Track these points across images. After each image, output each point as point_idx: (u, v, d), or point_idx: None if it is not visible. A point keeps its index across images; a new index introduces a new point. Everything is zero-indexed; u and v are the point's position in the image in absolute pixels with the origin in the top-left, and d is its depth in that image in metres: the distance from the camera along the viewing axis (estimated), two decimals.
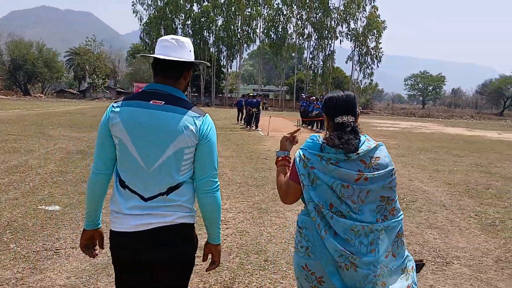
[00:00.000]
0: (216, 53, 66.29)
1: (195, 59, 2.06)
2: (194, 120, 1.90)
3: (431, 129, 28.14)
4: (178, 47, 1.97)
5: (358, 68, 63.80)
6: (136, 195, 1.91)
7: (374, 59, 63.16)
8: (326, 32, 63.14)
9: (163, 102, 1.90)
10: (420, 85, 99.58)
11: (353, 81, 64.85)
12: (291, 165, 2.16)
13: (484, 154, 14.31)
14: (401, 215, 2.11)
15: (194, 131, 1.89)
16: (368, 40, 62.68)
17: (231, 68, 73.01)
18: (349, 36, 63.16)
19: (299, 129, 2.85)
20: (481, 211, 6.39)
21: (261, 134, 18.46)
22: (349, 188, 1.96)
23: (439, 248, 4.68)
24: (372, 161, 2.02)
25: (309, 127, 23.42)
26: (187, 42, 2.01)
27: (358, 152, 1.99)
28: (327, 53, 64.74)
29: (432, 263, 4.27)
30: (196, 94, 68.28)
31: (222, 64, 68.97)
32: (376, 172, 2.00)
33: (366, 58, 63.45)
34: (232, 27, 63.83)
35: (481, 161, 12.40)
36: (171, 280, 1.99)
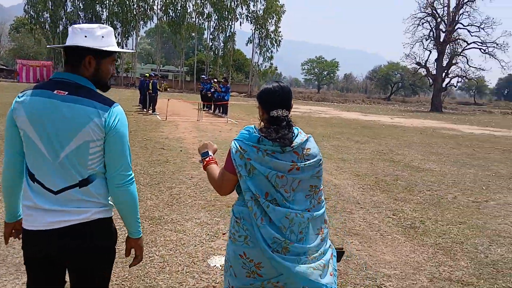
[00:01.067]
0: None
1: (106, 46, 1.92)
2: (99, 112, 1.81)
3: (330, 114, 28.66)
4: (73, 34, 1.86)
5: (258, 51, 63.77)
6: (46, 189, 1.84)
7: (274, 42, 63.49)
8: (226, 13, 61.99)
9: (66, 93, 1.81)
10: (315, 70, 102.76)
11: (254, 64, 64.74)
12: (226, 156, 2.14)
13: (383, 140, 14.45)
14: (324, 204, 2.23)
15: (99, 124, 1.81)
16: (268, 23, 62.77)
17: (126, 46, 68.91)
18: (249, 19, 62.69)
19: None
20: (397, 210, 5.91)
21: (158, 118, 17.06)
22: (283, 178, 2.03)
23: (365, 265, 4.00)
24: (304, 152, 2.10)
25: (210, 111, 22.38)
26: (87, 27, 1.87)
27: (293, 145, 2.06)
28: (227, 34, 63.71)
29: (362, 287, 3.56)
30: None
31: (117, 41, 64.53)
32: (307, 162, 2.08)
33: (266, 41, 63.53)
34: (127, 2, 60.07)
35: (382, 148, 12.38)
36: (91, 277, 1.97)
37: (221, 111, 20.51)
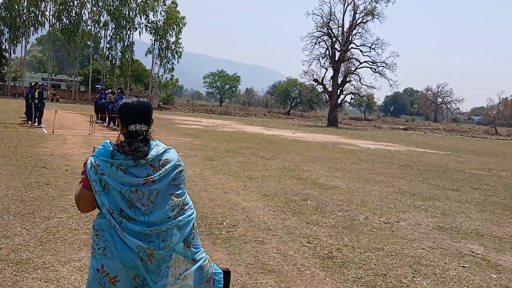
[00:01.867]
0: None
1: None
2: None
3: (233, 128, 28.28)
4: None
5: (158, 62, 62.07)
6: None
7: (175, 54, 62.33)
8: (124, 21, 59.62)
9: None
10: (218, 83, 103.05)
11: (154, 75, 62.81)
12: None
13: (288, 155, 14.23)
14: (193, 212, 2.27)
15: None
16: (168, 34, 61.44)
17: (14, 53, 63.19)
18: (148, 29, 60.86)
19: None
20: (312, 236, 5.40)
21: (44, 132, 15.27)
22: (138, 192, 2.05)
23: None
24: (160, 164, 2.11)
25: (105, 123, 20.79)
26: None
27: (147, 158, 2.07)
28: (125, 44, 61.23)
29: None
30: None
31: (3, 47, 59.03)
32: (162, 172, 2.10)
33: (166, 52, 62.12)
34: (16, 7, 55.16)
35: (288, 164, 12.08)
36: None
37: (116, 124, 19.06)
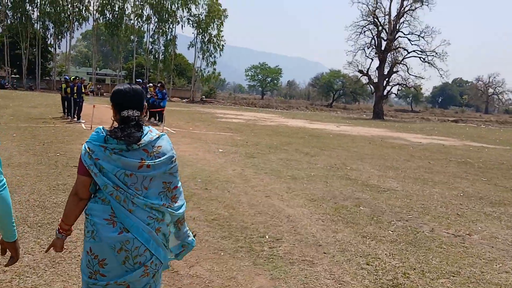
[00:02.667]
0: (42, 31, 57.76)
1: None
2: None
3: (275, 122, 27.47)
4: None
5: (200, 56, 61.92)
6: None
7: (217, 47, 61.91)
8: (167, 15, 59.69)
9: None
10: (259, 76, 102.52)
11: (196, 69, 62.80)
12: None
13: (334, 152, 13.30)
14: (183, 205, 2.29)
15: None
16: (210, 28, 61.11)
17: (59, 48, 64.68)
18: (191, 22, 60.74)
19: None
20: (370, 255, 4.55)
21: (83, 127, 15.03)
22: (133, 176, 2.09)
23: None
24: (154, 150, 2.15)
25: (146, 117, 20.48)
26: None
27: (140, 143, 2.10)
28: (168, 38, 61.39)
29: None
30: (17, 76, 59.01)
31: (49, 43, 60.60)
32: (157, 160, 2.14)
33: (208, 46, 61.73)
34: (60, 2, 56.23)
35: (334, 161, 11.18)
36: None
37: (157, 119, 18.67)
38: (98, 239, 2.07)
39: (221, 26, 61.49)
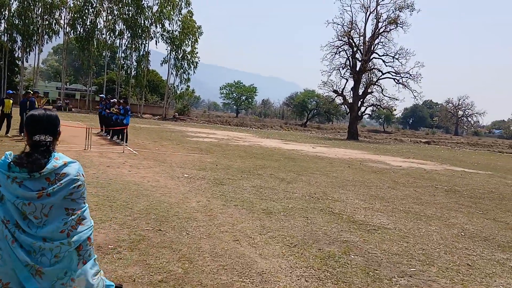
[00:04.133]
0: (9, 43, 55.40)
1: None
2: None
3: (249, 141, 26.22)
4: None
5: (174, 73, 60.47)
6: None
7: (191, 64, 60.64)
8: (140, 31, 58.25)
9: None
10: (234, 94, 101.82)
11: (169, 86, 61.25)
12: None
13: (312, 177, 12.11)
14: (90, 226, 2.24)
15: None
16: (184, 44, 59.90)
17: (27, 62, 62.21)
18: (164, 38, 59.42)
19: None
20: None
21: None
22: (31, 205, 2.04)
23: None
24: (57, 177, 2.10)
25: (108, 136, 18.89)
26: None
27: (42, 171, 2.06)
28: (141, 53, 59.81)
29: None
30: None
31: (16, 56, 58.23)
32: (56, 186, 2.08)
33: (182, 63, 60.44)
34: (29, 14, 54.15)
35: (314, 190, 9.97)
36: None
37: (119, 138, 17.15)
38: (2, 263, 2.05)
39: (196, 43, 60.39)
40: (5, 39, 54.89)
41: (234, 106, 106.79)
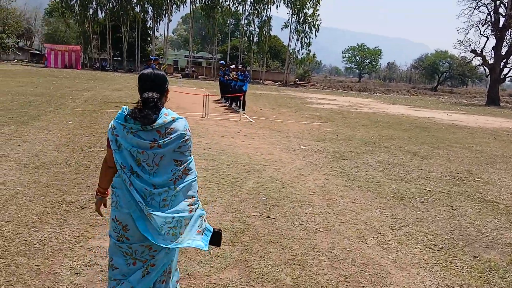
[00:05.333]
0: (141, 13, 58.90)
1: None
2: None
3: (373, 108, 24.32)
4: None
5: (295, 37, 59.28)
6: None
7: (312, 27, 58.86)
8: None
9: None
10: (357, 58, 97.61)
11: (290, 51, 60.30)
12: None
13: (451, 151, 10.33)
14: (194, 176, 2.43)
15: None
16: (306, 7, 58.12)
17: (158, 31, 65.87)
18: (286, 1, 58.21)
19: None
20: None
21: None
22: (144, 153, 2.26)
23: None
24: (167, 131, 2.28)
25: (227, 103, 18.61)
26: None
27: (153, 125, 2.25)
28: (263, 19, 59.54)
29: None
30: (119, 58, 61.12)
31: (148, 26, 61.85)
32: (167, 139, 2.27)
33: (304, 26, 58.94)
34: None
35: (455, 168, 8.32)
36: None
37: (238, 105, 16.69)
38: (120, 208, 2.30)
39: (317, 5, 58.28)
40: (138, 10, 58.36)
41: (357, 71, 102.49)
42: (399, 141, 11.47)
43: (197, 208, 2.42)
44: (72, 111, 12.22)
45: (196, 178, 2.42)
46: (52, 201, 4.69)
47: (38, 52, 72.82)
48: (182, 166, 2.32)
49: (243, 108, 15.31)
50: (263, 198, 5.37)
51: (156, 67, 15.46)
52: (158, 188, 2.25)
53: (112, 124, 2.31)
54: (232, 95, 16.85)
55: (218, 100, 20.40)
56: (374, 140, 11.19)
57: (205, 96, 13.54)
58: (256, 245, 3.95)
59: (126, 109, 2.30)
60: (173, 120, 2.29)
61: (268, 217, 4.72)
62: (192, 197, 2.37)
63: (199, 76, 57.62)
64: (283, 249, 3.91)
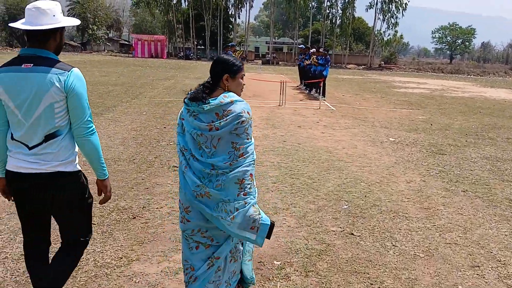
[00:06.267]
0: (223, 1, 59.14)
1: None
2: (58, 76, 2.16)
3: (469, 92, 21.99)
4: (40, 15, 2.16)
5: (381, 17, 56.26)
6: (22, 144, 2.23)
7: (399, 6, 55.46)
8: None
9: (32, 65, 2.15)
10: (448, 38, 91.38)
11: (375, 33, 57.44)
12: None
13: None
14: (252, 160, 2.36)
15: (59, 87, 2.15)
16: None
17: (239, 18, 65.85)
18: None
19: None
20: None
21: None
22: (203, 136, 2.29)
23: None
24: (224, 113, 2.28)
25: (307, 89, 17.60)
26: (49, 7, 2.19)
27: (210, 105, 2.27)
28: (346, 0, 57.14)
29: None
30: (202, 47, 62.05)
31: (230, 13, 62.00)
32: (223, 121, 2.27)
33: (390, 6, 55.73)
34: None
35: None
36: (62, 216, 2.41)
37: (318, 91, 15.66)
38: (181, 191, 2.40)
39: None
40: None
41: (448, 52, 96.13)
42: (505, 131, 9.88)
43: (249, 192, 2.35)
44: (149, 101, 12.01)
45: (252, 161, 2.36)
46: (103, 207, 4.16)
47: (126, 43, 76.20)
48: (238, 150, 2.30)
49: (323, 95, 14.29)
50: (345, 207, 4.48)
51: (233, 53, 14.89)
52: (215, 170, 2.27)
53: (182, 109, 2.42)
54: (312, 82, 15.84)
55: (297, 86, 19.47)
56: (476, 130, 9.71)
57: (282, 83, 12.69)
58: (335, 276, 3.10)
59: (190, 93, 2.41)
60: (231, 102, 2.29)
61: (352, 233, 3.83)
62: (243, 179, 2.31)
63: (280, 62, 56.76)
64: (371, 284, 3.02)
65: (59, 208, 2.34)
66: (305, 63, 17.63)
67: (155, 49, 55.65)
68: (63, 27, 2.26)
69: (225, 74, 2.36)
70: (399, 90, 20.45)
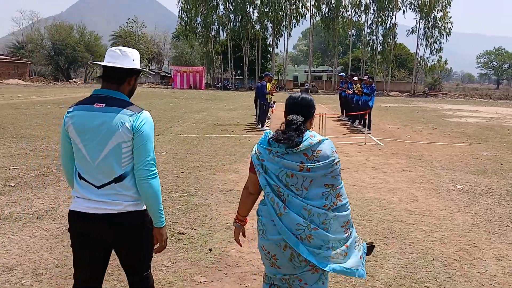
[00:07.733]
0: (261, 31, 58.90)
1: (141, 67, 2.34)
2: (128, 117, 2.16)
3: None
4: (121, 56, 2.23)
5: (424, 43, 54.26)
6: (90, 184, 2.20)
7: (443, 31, 53.38)
8: (387, 2, 53.92)
9: (104, 104, 2.18)
10: (494, 62, 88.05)
11: (418, 58, 55.39)
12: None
13: None
14: (347, 202, 2.33)
15: (129, 127, 2.15)
16: (435, 10, 53.00)
17: (277, 48, 65.36)
18: (412, 6, 53.73)
19: None
20: None
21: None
22: (294, 177, 2.21)
23: None
24: (314, 154, 2.23)
25: (349, 121, 16.09)
26: (131, 52, 2.28)
27: (299, 147, 2.21)
28: (387, 26, 55.57)
29: None
30: (240, 77, 61.75)
31: (268, 43, 61.62)
32: (316, 164, 2.20)
33: (433, 31, 53.75)
34: (278, 0, 56.28)
35: None
36: (127, 257, 2.35)
37: (361, 123, 14.15)
38: (267, 238, 2.28)
39: (447, 7, 52.81)
40: (258, 27, 58.43)
41: (494, 77, 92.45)
42: None
43: (353, 230, 2.36)
44: (174, 138, 10.92)
45: (348, 202, 2.32)
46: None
47: (167, 74, 77.31)
48: (335, 190, 2.25)
49: (369, 128, 12.79)
50: None
51: (268, 82, 13.68)
52: (315, 208, 2.20)
53: (257, 149, 2.33)
54: (356, 114, 14.37)
55: (338, 117, 18.03)
56: None
57: (320, 116, 11.28)
58: None
59: (269, 133, 2.34)
60: (319, 142, 2.26)
61: None
62: (348, 221, 2.29)
63: (319, 91, 55.53)
64: None
65: (126, 245, 2.29)
66: (347, 92, 16.22)
67: (193, 80, 55.67)
68: (138, 73, 2.34)
69: (313, 113, 2.41)
70: (452, 120, 18.60)
